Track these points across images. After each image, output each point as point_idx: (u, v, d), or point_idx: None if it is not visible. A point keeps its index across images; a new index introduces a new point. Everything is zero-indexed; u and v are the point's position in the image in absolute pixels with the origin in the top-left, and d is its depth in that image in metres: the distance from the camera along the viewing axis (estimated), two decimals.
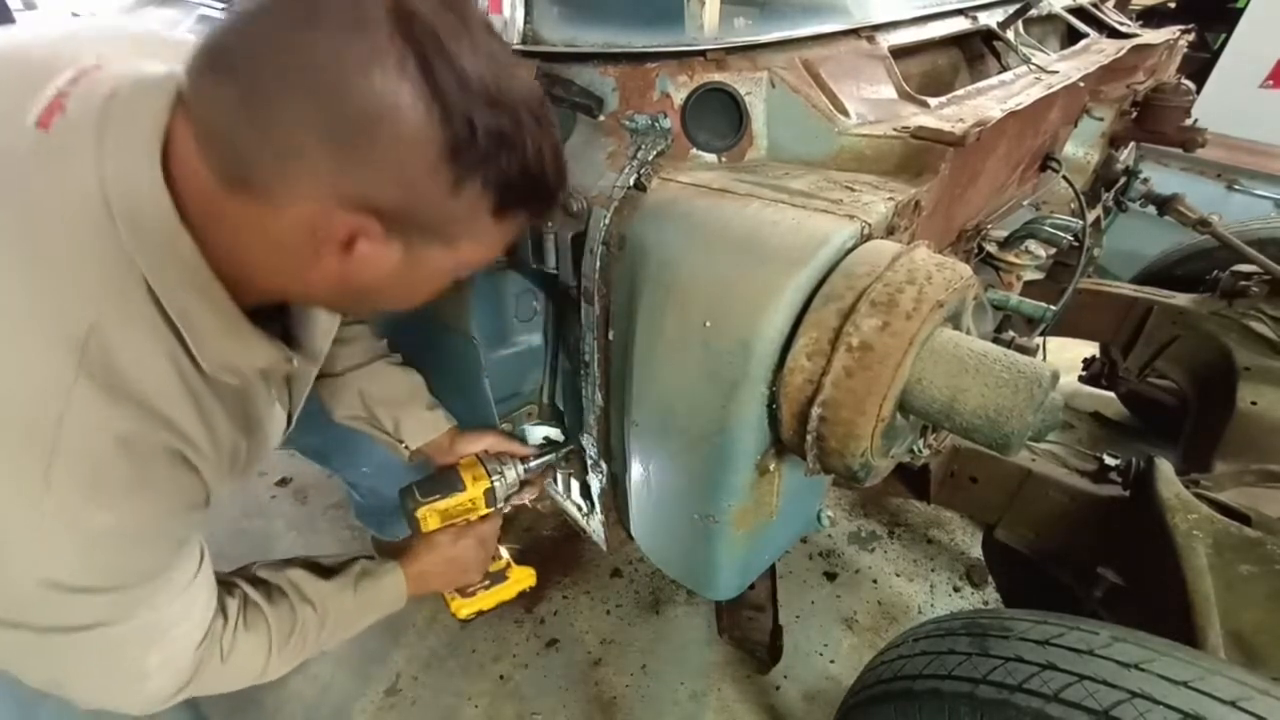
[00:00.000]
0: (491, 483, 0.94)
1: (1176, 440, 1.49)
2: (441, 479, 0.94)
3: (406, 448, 0.97)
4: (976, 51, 1.21)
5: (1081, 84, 1.06)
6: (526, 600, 1.59)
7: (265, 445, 0.70)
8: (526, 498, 1.03)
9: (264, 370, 0.62)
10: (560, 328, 1.00)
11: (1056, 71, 1.12)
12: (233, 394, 0.60)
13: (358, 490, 1.36)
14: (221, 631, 0.66)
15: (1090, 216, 1.26)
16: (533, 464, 0.99)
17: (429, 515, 0.92)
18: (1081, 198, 1.15)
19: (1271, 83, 2.96)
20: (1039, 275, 1.14)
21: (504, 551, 1.04)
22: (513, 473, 0.97)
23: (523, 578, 1.04)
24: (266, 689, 1.39)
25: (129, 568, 0.54)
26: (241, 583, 0.71)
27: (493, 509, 0.96)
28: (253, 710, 1.37)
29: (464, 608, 0.99)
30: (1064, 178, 1.14)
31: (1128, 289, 1.64)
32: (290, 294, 0.58)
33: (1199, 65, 3.03)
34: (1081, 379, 1.87)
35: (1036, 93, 0.94)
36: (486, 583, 1.00)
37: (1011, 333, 1.03)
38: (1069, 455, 1.19)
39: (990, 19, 1.18)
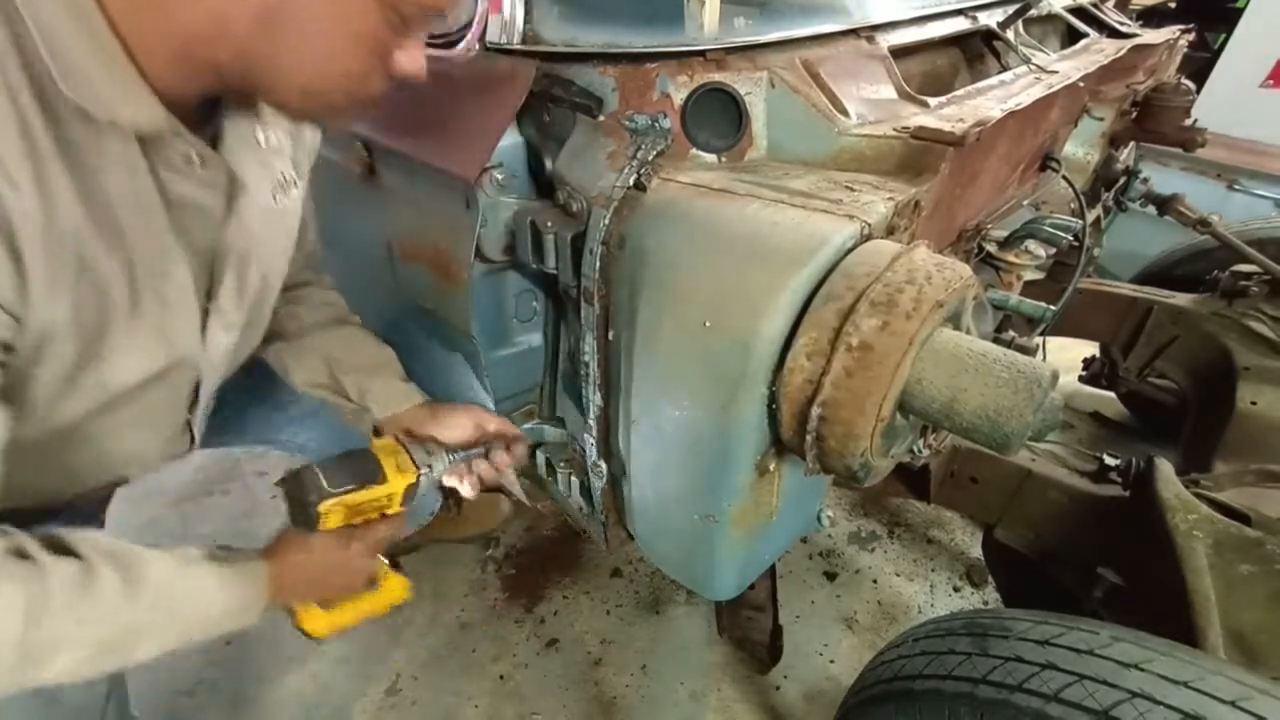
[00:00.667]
0: (418, 477, 0.77)
1: (1176, 440, 1.49)
2: (356, 465, 0.74)
3: (373, 418, 0.88)
4: (976, 51, 1.21)
5: (1081, 84, 1.06)
6: (526, 600, 1.59)
7: (153, 314, 0.58)
8: (469, 484, 0.89)
9: (143, 134, 0.51)
10: (560, 328, 1.00)
11: (1056, 71, 1.12)
12: (94, 186, 0.49)
13: None
14: None
15: (1090, 216, 1.26)
16: (460, 455, 0.84)
17: (334, 512, 0.72)
18: (1081, 198, 1.15)
19: (1271, 83, 2.96)
20: (1039, 275, 1.14)
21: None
22: (441, 464, 0.80)
23: (396, 588, 0.88)
24: (266, 688, 1.39)
25: None
26: (12, 530, 0.54)
27: (405, 508, 0.81)
28: (251, 710, 1.37)
29: (321, 622, 0.81)
30: (1064, 178, 1.14)
31: (1128, 289, 1.64)
32: (190, 42, 0.49)
33: (1199, 65, 3.03)
34: (1081, 379, 1.87)
35: (1036, 93, 0.94)
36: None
37: (1011, 333, 1.03)
38: (1069, 455, 1.19)
39: (990, 19, 1.18)
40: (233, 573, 0.66)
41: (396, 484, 0.76)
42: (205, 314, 0.66)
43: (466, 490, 0.87)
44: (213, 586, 0.64)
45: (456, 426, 0.87)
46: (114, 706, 0.83)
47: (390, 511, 0.79)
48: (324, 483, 0.70)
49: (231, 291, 0.69)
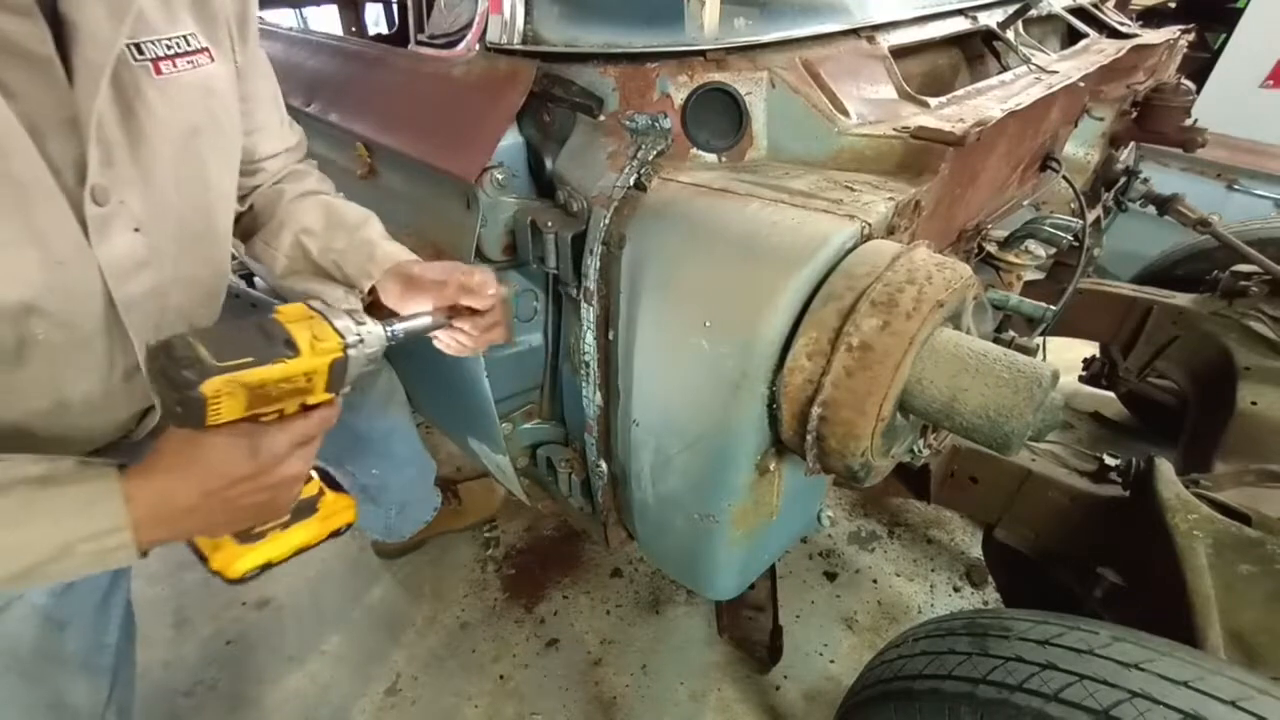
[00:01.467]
0: (345, 351, 0.56)
1: (1176, 440, 1.49)
2: (253, 334, 0.52)
3: (360, 296, 0.75)
4: (976, 51, 1.21)
5: (1081, 84, 1.06)
6: (526, 600, 1.59)
7: (8, 202, 0.51)
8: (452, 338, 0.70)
9: None
10: (560, 328, 1.00)
11: (1056, 71, 1.12)
12: None
13: (367, 493, 1.34)
14: None
15: (1090, 216, 1.26)
16: (398, 327, 0.63)
17: (226, 396, 0.49)
18: (1081, 198, 1.15)
19: (1271, 83, 2.97)
20: (1039, 275, 1.15)
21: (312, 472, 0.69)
22: (377, 339, 0.59)
23: (338, 510, 0.70)
24: (266, 688, 1.39)
25: None
26: None
27: (334, 395, 0.58)
28: (251, 710, 1.37)
29: (239, 560, 0.62)
30: (1064, 178, 1.14)
31: (1128, 289, 1.64)
32: None
33: (1199, 65, 3.03)
34: (1081, 379, 1.87)
35: (1036, 93, 0.94)
36: (284, 519, 0.65)
37: (1011, 333, 1.02)
38: (1069, 455, 1.19)
39: (990, 19, 1.18)
40: (55, 501, 0.51)
41: (312, 359, 0.54)
42: (83, 204, 0.56)
43: (442, 346, 0.71)
44: (22, 519, 0.50)
45: (419, 296, 0.71)
46: (114, 712, 0.82)
47: (313, 400, 0.57)
48: (205, 354, 0.48)
49: (127, 177, 0.58)
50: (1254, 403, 1.28)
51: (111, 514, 0.51)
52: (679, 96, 0.79)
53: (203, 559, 0.63)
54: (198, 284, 0.73)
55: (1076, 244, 1.09)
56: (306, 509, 0.67)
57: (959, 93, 0.97)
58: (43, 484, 0.51)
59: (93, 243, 0.58)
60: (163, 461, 0.54)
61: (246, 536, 0.63)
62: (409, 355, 1.03)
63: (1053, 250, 1.06)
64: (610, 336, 0.82)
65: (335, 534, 0.70)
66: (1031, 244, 1.05)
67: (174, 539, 0.57)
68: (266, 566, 0.64)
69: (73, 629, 0.76)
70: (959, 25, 1.14)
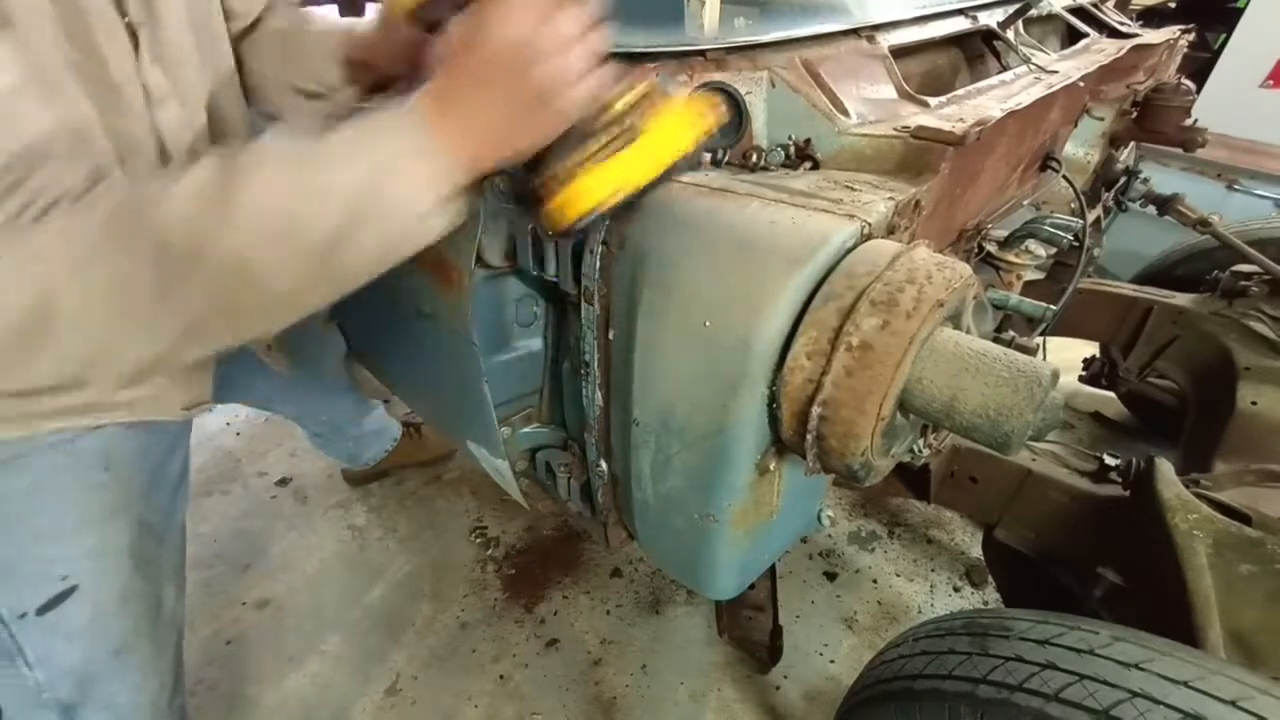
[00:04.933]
0: None
1: (1176, 440, 1.49)
2: None
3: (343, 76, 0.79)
4: (976, 51, 1.21)
5: (1081, 84, 1.06)
6: (526, 600, 1.59)
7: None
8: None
9: None
10: (560, 331, 1.00)
11: (1056, 71, 1.12)
12: None
13: (324, 434, 1.63)
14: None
15: (1090, 216, 1.26)
16: None
17: None
18: (1081, 198, 1.15)
19: (1271, 83, 2.97)
20: (1039, 275, 1.14)
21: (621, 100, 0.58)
22: None
23: (685, 119, 0.60)
24: (266, 688, 1.39)
25: None
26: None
27: None
28: (251, 710, 1.37)
29: (580, 198, 0.55)
30: (1064, 177, 1.14)
31: (1128, 289, 1.64)
32: None
33: (1199, 65, 3.03)
34: (1081, 379, 1.87)
35: (1036, 92, 0.94)
36: (602, 140, 0.56)
37: (1011, 332, 1.03)
38: (1069, 455, 1.19)
39: (990, 19, 1.18)
40: (374, 115, 0.53)
41: None
42: (134, 32, 0.62)
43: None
44: (359, 138, 0.52)
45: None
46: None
47: None
48: None
49: (143, 16, 0.64)
50: (1254, 403, 1.28)
51: (417, 119, 0.52)
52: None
53: (541, 201, 0.57)
54: (216, 117, 0.76)
55: (1076, 244, 1.09)
56: (627, 132, 0.57)
57: (959, 92, 0.97)
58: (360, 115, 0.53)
59: (140, 67, 0.63)
60: (438, 75, 0.53)
61: (567, 165, 0.56)
62: (406, 356, 1.03)
63: (1053, 250, 1.06)
64: (610, 336, 0.82)
65: (668, 170, 0.58)
66: (1031, 244, 1.05)
67: (476, 136, 0.53)
68: (608, 200, 0.56)
69: (165, 545, 0.87)
70: (959, 25, 1.14)
